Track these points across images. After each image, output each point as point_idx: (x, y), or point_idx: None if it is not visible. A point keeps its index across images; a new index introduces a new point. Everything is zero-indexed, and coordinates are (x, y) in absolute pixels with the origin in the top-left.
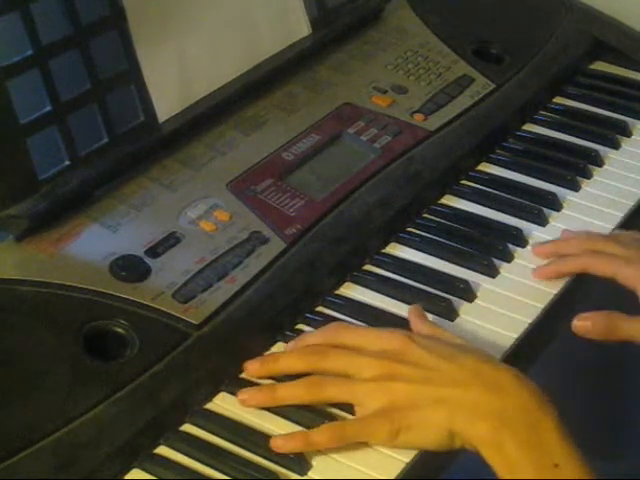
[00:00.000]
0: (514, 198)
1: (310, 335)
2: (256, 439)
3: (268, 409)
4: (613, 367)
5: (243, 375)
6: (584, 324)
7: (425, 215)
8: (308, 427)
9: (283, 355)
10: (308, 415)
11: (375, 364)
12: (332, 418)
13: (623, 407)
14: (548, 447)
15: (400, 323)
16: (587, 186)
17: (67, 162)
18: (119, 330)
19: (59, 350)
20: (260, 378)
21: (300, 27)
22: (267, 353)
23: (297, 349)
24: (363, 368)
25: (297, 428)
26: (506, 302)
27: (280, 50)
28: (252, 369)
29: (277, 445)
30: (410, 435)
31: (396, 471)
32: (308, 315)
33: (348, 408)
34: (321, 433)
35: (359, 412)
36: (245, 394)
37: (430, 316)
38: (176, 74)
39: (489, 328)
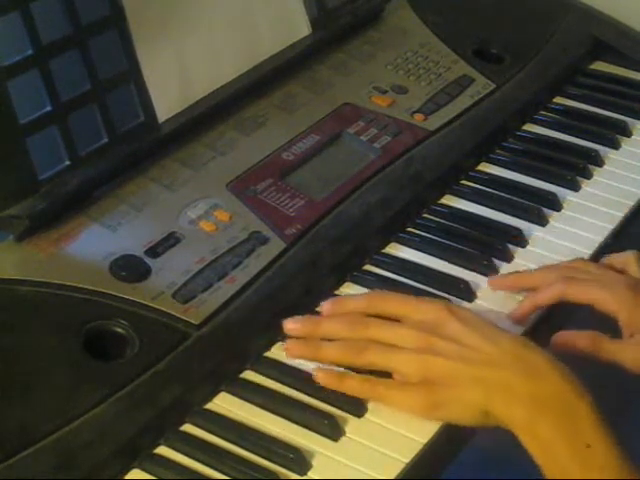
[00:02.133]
0: (514, 198)
1: (350, 299)
2: (256, 439)
3: (268, 409)
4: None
5: (245, 375)
6: (567, 340)
7: (425, 215)
8: (308, 427)
9: (325, 320)
10: (308, 415)
11: (415, 336)
12: (334, 417)
13: (623, 407)
14: (581, 429)
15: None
16: (587, 186)
17: (67, 162)
18: (119, 330)
19: (59, 350)
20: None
21: (300, 27)
22: (268, 354)
23: (339, 315)
24: (403, 339)
25: (297, 428)
26: (506, 302)
27: (280, 50)
28: (292, 327)
29: (318, 376)
30: (445, 411)
31: (396, 471)
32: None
33: (353, 408)
34: (355, 380)
35: (396, 379)
36: (291, 343)
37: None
38: (176, 74)
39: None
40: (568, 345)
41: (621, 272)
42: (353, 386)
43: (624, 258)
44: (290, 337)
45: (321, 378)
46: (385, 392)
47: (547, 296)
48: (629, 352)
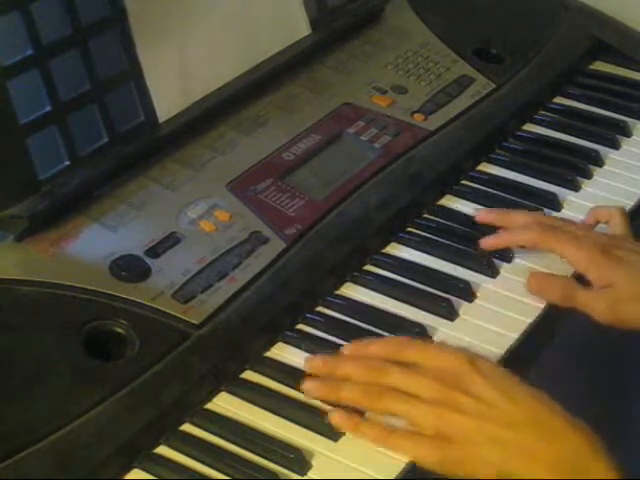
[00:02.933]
0: (514, 198)
1: (372, 344)
2: (256, 439)
3: (268, 409)
4: (613, 366)
5: (245, 375)
6: (540, 283)
7: (425, 215)
8: (308, 427)
9: (346, 361)
10: (308, 415)
11: (433, 387)
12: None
13: (623, 407)
14: None
15: (400, 323)
16: (587, 186)
17: (67, 162)
18: (119, 330)
19: (59, 350)
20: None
21: (300, 27)
22: (268, 354)
23: (359, 358)
24: (422, 390)
25: (297, 428)
26: (506, 302)
27: (280, 50)
28: (313, 365)
29: (334, 417)
30: (458, 468)
31: (396, 471)
32: (308, 315)
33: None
34: (371, 427)
35: (409, 428)
36: (310, 384)
37: (430, 316)
38: (176, 74)
39: (489, 328)
40: (542, 290)
41: (605, 223)
42: (368, 433)
43: (610, 211)
44: (309, 375)
45: (337, 420)
46: (400, 442)
47: (522, 237)
48: (599, 302)
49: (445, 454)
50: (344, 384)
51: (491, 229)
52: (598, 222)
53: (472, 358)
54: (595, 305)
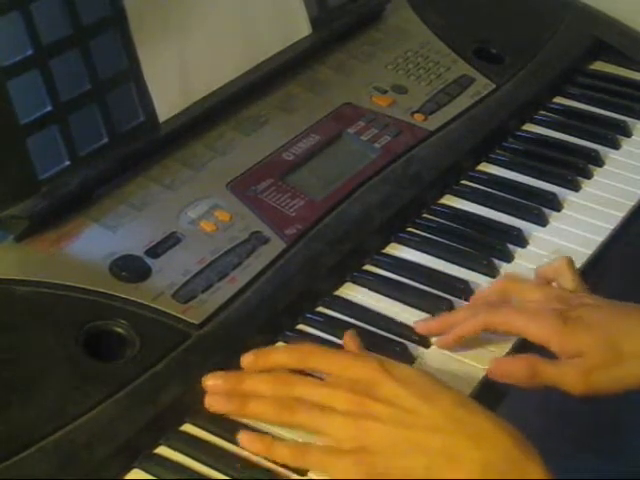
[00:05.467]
0: (514, 198)
1: (273, 352)
2: None
3: None
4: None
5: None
6: (501, 369)
7: (425, 215)
8: None
9: (247, 377)
10: None
11: (348, 398)
12: None
13: (623, 407)
14: None
15: (399, 323)
16: (587, 186)
17: (67, 162)
18: (119, 330)
19: (59, 350)
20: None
21: (300, 27)
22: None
23: (265, 373)
24: (334, 401)
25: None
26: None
27: (280, 50)
28: (212, 384)
29: (242, 440)
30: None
31: None
32: (308, 315)
33: None
34: (285, 447)
35: (326, 443)
36: (212, 398)
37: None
38: (176, 74)
39: None
40: (506, 375)
41: (554, 283)
42: (284, 454)
43: (556, 267)
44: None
45: (246, 443)
46: (319, 460)
47: (470, 327)
48: (568, 375)
49: (370, 467)
50: (251, 399)
51: (491, 229)
52: (548, 282)
53: (384, 363)
54: (565, 378)
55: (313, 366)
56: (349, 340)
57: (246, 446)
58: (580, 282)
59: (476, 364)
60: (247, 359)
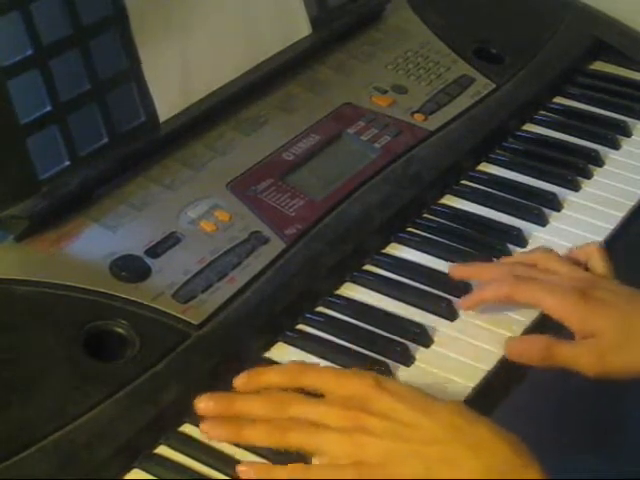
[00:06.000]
0: (514, 198)
1: (266, 372)
2: None
3: None
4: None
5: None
6: (518, 348)
7: (425, 215)
8: None
9: (239, 398)
10: None
11: (342, 415)
12: None
13: (623, 406)
14: None
15: (400, 323)
16: (587, 186)
17: (67, 162)
18: (119, 330)
19: (59, 350)
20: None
21: (300, 27)
22: (268, 354)
23: (255, 393)
24: (329, 418)
25: None
26: (506, 302)
27: (280, 50)
28: (204, 407)
29: (241, 470)
30: None
31: None
32: (308, 315)
33: None
34: (284, 471)
35: (323, 461)
36: (209, 425)
37: (430, 316)
38: (177, 74)
39: (489, 328)
40: (522, 354)
41: (584, 266)
42: (281, 475)
43: (587, 251)
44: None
45: (245, 473)
46: (318, 477)
47: (492, 294)
48: (583, 355)
49: (371, 477)
50: (245, 423)
51: (491, 229)
52: (579, 264)
53: (378, 379)
54: (579, 359)
55: (306, 384)
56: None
57: (245, 475)
58: (609, 269)
59: (477, 364)
60: (240, 380)
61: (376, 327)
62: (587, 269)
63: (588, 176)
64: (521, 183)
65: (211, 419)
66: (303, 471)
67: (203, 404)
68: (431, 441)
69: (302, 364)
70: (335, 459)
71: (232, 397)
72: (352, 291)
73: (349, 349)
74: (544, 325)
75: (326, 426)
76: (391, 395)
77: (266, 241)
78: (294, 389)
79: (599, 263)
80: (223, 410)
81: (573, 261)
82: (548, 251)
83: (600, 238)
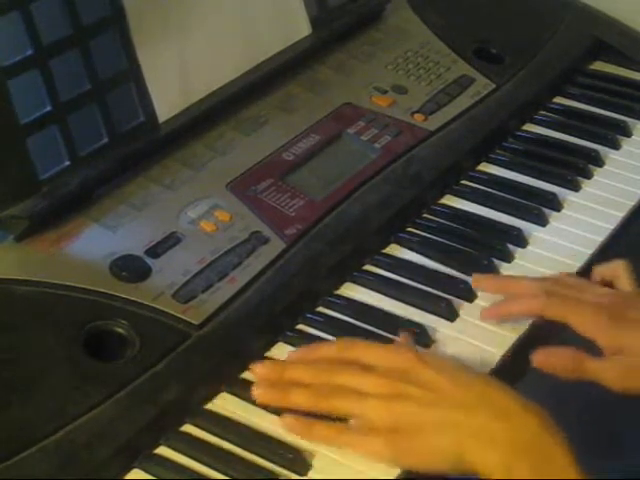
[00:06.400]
0: (514, 198)
1: (321, 347)
2: (256, 439)
3: (268, 409)
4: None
5: (245, 375)
6: (548, 360)
7: (425, 215)
8: None
9: (293, 365)
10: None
11: (383, 383)
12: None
13: (623, 405)
14: (560, 473)
15: (400, 323)
16: (587, 186)
17: (67, 162)
18: (119, 330)
19: (59, 350)
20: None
21: (300, 27)
22: (268, 354)
23: (307, 362)
24: (371, 386)
25: None
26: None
27: (280, 50)
28: (261, 372)
29: (286, 422)
30: (414, 458)
31: (396, 471)
32: (308, 315)
33: None
34: (323, 428)
35: (364, 426)
36: (260, 389)
37: (430, 316)
38: (176, 74)
39: (489, 328)
40: (548, 364)
41: (610, 284)
42: (322, 434)
43: (613, 269)
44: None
45: (289, 425)
46: (352, 439)
47: (525, 308)
48: (611, 371)
49: (399, 445)
50: (293, 388)
51: (491, 229)
52: (604, 281)
53: (419, 354)
54: (607, 374)
55: (353, 357)
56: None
57: (290, 428)
58: (635, 286)
59: (477, 365)
60: (295, 354)
61: (376, 327)
62: (612, 286)
63: (588, 176)
64: (521, 183)
65: (262, 384)
66: (340, 430)
67: (259, 368)
68: (463, 410)
69: (349, 339)
70: (370, 422)
71: (285, 364)
72: (352, 291)
73: None
74: (541, 327)
75: (367, 393)
76: (430, 367)
77: (266, 241)
78: (341, 361)
79: (626, 280)
80: (278, 375)
81: (598, 278)
82: (571, 276)
83: (600, 238)
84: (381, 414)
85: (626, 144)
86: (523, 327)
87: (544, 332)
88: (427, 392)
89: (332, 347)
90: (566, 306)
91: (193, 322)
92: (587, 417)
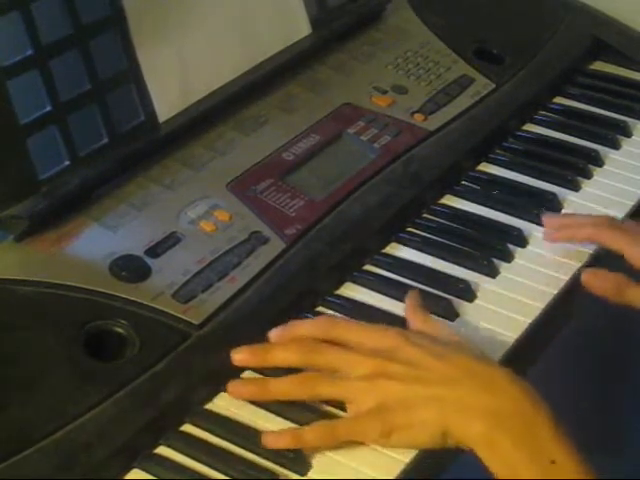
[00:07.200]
0: (514, 198)
1: (300, 324)
2: (256, 439)
3: (267, 409)
4: (613, 365)
5: (245, 375)
6: (595, 279)
7: (425, 215)
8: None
9: (274, 347)
10: (307, 414)
11: (368, 362)
12: (331, 416)
13: (623, 404)
14: (544, 445)
15: (400, 323)
16: (587, 186)
17: (67, 162)
18: (119, 330)
19: (59, 350)
20: (248, 368)
21: (300, 27)
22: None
23: (289, 342)
24: (356, 366)
25: (297, 428)
26: (506, 302)
27: (280, 50)
28: (241, 358)
29: (268, 441)
30: (402, 435)
31: (396, 471)
32: (308, 315)
33: (343, 406)
34: (312, 431)
35: (351, 410)
36: (235, 386)
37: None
38: (176, 74)
39: (489, 328)
40: (596, 286)
41: None
42: (314, 438)
43: None
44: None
45: (272, 443)
46: (347, 431)
47: (588, 233)
48: None
49: (386, 424)
50: (272, 380)
51: (491, 229)
52: None
53: (404, 332)
54: None
55: (336, 336)
56: (410, 298)
57: (273, 444)
58: None
59: None
60: (274, 333)
61: None
62: None
63: (588, 176)
64: (521, 183)
65: (236, 380)
66: (330, 427)
67: (239, 355)
68: (447, 383)
69: (332, 317)
70: (358, 404)
71: (266, 347)
72: (352, 291)
73: None
74: (538, 331)
75: (353, 375)
76: (414, 345)
77: (266, 241)
78: (324, 340)
79: None
80: (260, 360)
81: None
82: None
83: None
84: (367, 393)
85: (626, 144)
86: (522, 327)
87: (544, 333)
88: (411, 369)
89: (314, 325)
90: (625, 237)
91: (193, 322)
92: (588, 418)
